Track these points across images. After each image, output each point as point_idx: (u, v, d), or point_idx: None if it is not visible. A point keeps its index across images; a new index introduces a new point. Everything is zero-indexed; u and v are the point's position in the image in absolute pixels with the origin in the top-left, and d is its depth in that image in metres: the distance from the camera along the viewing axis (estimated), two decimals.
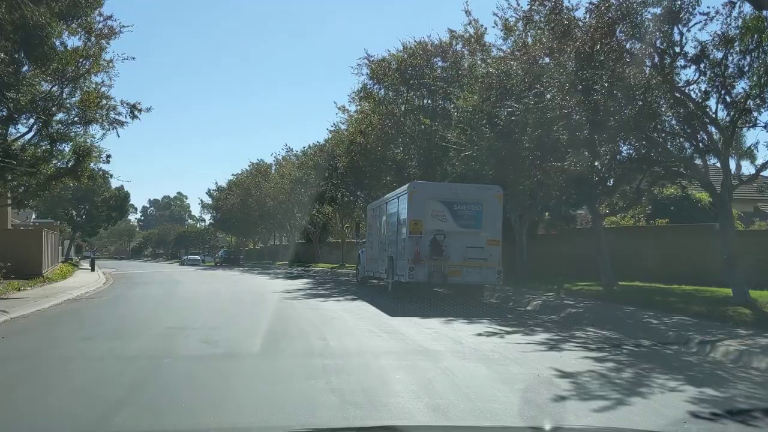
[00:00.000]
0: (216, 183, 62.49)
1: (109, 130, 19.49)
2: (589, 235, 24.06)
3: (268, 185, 47.43)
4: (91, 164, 20.60)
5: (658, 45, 12.92)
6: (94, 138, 20.04)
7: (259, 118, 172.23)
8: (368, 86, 25.71)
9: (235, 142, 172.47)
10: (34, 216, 60.10)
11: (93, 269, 39.02)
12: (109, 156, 20.85)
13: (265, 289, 20.89)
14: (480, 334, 10.15)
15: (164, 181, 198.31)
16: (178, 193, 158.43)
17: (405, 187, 16.29)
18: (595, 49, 12.20)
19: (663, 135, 13.57)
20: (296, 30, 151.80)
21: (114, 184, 59.61)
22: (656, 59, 12.97)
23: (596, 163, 16.16)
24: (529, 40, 15.66)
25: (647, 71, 13.13)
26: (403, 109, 26.46)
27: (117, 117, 19.44)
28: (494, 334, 10.31)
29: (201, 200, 72.22)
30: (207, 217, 77.94)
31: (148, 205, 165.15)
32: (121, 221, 77.56)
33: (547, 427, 2.86)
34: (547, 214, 26.38)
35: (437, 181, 20.04)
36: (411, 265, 15.26)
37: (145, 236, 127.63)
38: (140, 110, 19.60)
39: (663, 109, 13.14)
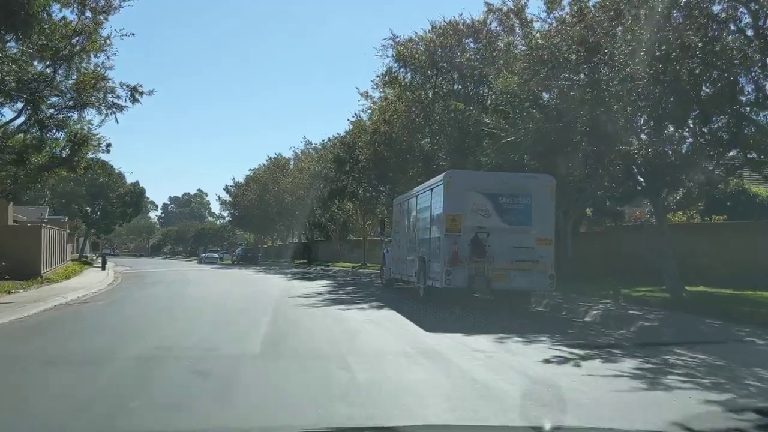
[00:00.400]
0: (233, 179, 60.58)
1: (107, 115, 17.49)
2: (639, 232, 21.65)
3: (286, 180, 45.41)
4: (89, 154, 18.60)
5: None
6: (92, 125, 18.08)
7: (277, 114, 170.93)
8: (393, 70, 23.46)
9: (258, 138, 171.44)
10: (47, 213, 58.96)
11: (104, 268, 37.36)
12: (109, 145, 18.82)
13: (281, 292, 18.81)
14: (548, 361, 7.89)
15: (185, 177, 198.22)
16: (198, 190, 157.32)
17: (441, 176, 14.02)
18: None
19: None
20: (298, 30, 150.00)
21: (129, 179, 58.33)
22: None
23: (666, 148, 13.74)
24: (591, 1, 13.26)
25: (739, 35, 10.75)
26: (431, 95, 24.20)
27: (116, 100, 17.43)
28: (565, 360, 8.04)
29: (218, 197, 70.39)
30: (225, 214, 76.27)
31: (168, 202, 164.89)
32: (136, 218, 76.17)
33: (547, 426, 2.60)
34: (589, 210, 23.98)
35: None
36: (448, 268, 13.01)
37: (164, 233, 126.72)
38: (141, 93, 17.56)
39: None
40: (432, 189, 14.51)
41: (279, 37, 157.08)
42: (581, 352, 8.69)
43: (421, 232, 15.42)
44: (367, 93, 25.05)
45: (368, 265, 36.38)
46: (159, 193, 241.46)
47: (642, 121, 13.96)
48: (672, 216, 23.54)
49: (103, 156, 20.32)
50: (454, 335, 9.84)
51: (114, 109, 17.49)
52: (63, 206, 54.14)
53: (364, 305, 14.58)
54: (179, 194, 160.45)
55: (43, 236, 24.13)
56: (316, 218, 47.54)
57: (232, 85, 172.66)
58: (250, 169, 57.02)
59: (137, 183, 57.61)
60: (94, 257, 76.57)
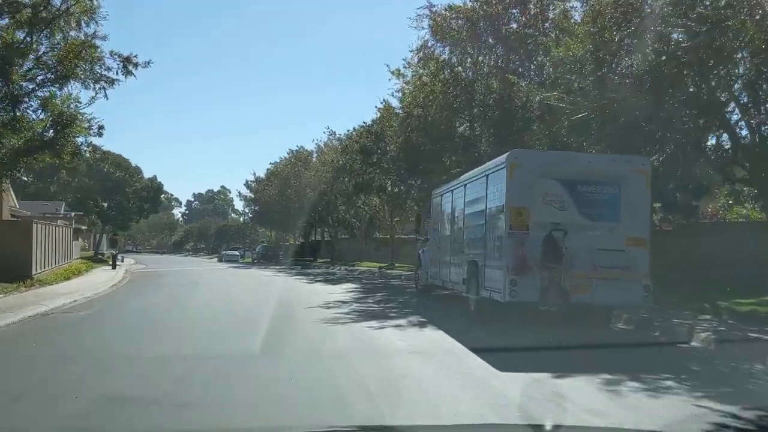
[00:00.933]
0: (254, 173, 57.87)
1: (96, 90, 14.81)
2: (720, 231, 18.44)
3: (308, 174, 42.56)
4: (78, 137, 15.91)
5: None
6: (80, 103, 15.40)
7: (298, 110, 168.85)
8: (429, 44, 20.47)
9: (281, 133, 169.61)
10: (63, 208, 57.09)
11: (114, 266, 35.01)
12: (101, 127, 16.08)
13: (298, 300, 15.98)
14: None
15: (209, 174, 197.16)
16: (222, 187, 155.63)
17: (502, 158, 10.97)
18: None
19: None
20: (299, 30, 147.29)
21: (146, 174, 56.11)
22: None
23: None
24: None
25: None
26: (471, 75, 21.14)
27: (105, 73, 14.74)
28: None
29: (239, 192, 67.84)
30: (246, 210, 73.86)
31: (192, 199, 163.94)
32: (157, 214, 74.15)
33: (548, 426, 2.50)
34: (658, 204, 20.70)
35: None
36: (513, 277, 9.99)
37: (186, 230, 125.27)
38: (136, 64, 14.86)
39: None
40: (488, 175, 11.47)
41: (304, 28, 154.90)
42: (746, 415, 5.68)
43: (472, 230, 12.41)
44: (399, 71, 22.04)
45: (396, 265, 33.47)
46: (183, 189, 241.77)
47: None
48: (752, 211, 20.28)
49: (106, 145, 17.61)
50: (540, 377, 6.85)
51: (103, 83, 14.80)
52: (78, 201, 52.09)
53: (401, 321, 11.62)
54: (203, 191, 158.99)
55: (35, 233, 21.61)
56: (339, 215, 44.74)
57: (257, 79, 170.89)
58: (270, 163, 54.17)
59: (155, 178, 55.49)
60: (116, 253, 74.86)
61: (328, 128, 46.96)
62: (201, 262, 61.02)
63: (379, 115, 30.15)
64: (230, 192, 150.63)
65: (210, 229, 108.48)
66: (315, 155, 45.18)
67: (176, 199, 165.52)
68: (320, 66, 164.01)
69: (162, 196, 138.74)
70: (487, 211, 11.37)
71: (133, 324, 11.76)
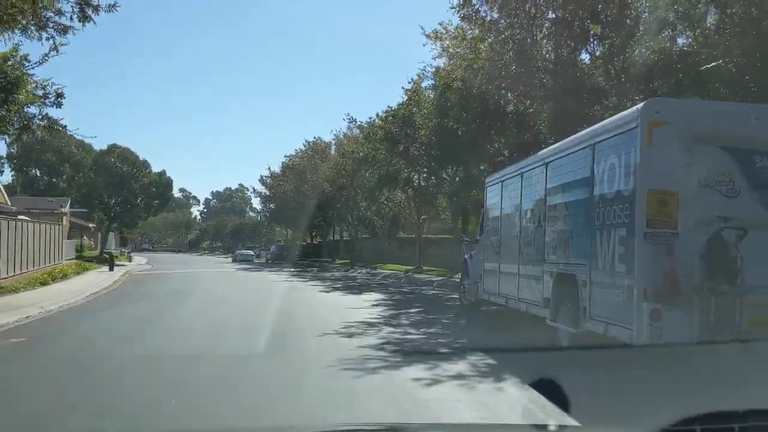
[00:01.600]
0: (269, 168, 54.23)
1: (44, 40, 11.16)
2: None
3: (326, 167, 38.77)
4: (28, 107, 12.27)
5: None
6: (28, 62, 11.77)
7: (321, 106, 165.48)
8: (474, 2, 16.52)
9: (307, 129, 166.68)
10: (68, 205, 54.07)
11: (111, 268, 31.60)
12: (60, 95, 12.43)
13: (310, 320, 12.23)
14: None
15: (228, 172, 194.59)
16: (240, 185, 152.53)
17: (628, 114, 7.01)
18: None
19: None
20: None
21: (154, 168, 52.71)
22: None
23: None
24: None
25: None
26: (530, 40, 17.15)
27: (57, 18, 11.08)
28: None
29: (253, 188, 64.10)
30: (261, 207, 70.42)
31: (210, 197, 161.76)
32: (168, 211, 70.88)
33: (552, 426, 2.52)
34: None
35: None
36: (655, 306, 6.09)
37: (202, 229, 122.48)
38: (96, 7, 11.17)
39: None
40: (595, 144, 7.49)
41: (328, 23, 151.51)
42: None
43: (563, 228, 8.47)
44: (436, 33, 18.02)
45: (424, 268, 29.63)
46: (202, 187, 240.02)
47: None
48: None
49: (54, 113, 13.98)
50: None
51: (53, 32, 11.12)
52: (83, 197, 48.97)
53: (460, 365, 7.68)
54: (221, 189, 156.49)
55: (3, 231, 18.16)
56: (360, 212, 40.97)
57: (279, 76, 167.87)
58: (285, 156, 50.27)
59: (164, 172, 52.21)
60: (127, 252, 72.13)
61: (348, 115, 42.33)
62: (213, 262, 57.88)
63: (406, 98, 26.30)
64: (248, 190, 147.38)
65: (226, 228, 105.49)
66: (333, 147, 41.39)
67: (194, 197, 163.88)
68: (344, 61, 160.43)
69: (178, 192, 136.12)
70: (594, 200, 7.43)
71: (62, 367, 8.03)
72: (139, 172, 50.38)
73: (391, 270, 31.75)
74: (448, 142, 21.33)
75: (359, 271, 33.61)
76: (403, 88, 26.15)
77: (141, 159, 51.27)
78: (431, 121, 22.78)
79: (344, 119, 29.47)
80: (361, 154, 31.09)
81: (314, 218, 50.65)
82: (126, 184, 48.97)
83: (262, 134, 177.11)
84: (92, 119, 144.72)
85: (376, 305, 15.01)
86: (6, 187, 78.75)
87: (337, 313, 13.19)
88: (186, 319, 12.70)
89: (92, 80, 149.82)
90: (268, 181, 56.28)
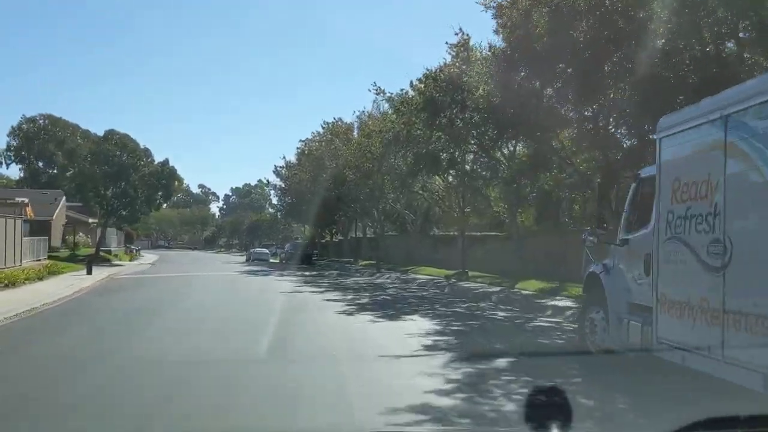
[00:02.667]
0: (284, 158, 48.17)
1: None
2: None
3: (348, 152, 32.79)
4: None
5: None
6: None
7: (343, 101, 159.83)
8: None
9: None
10: (64, 199, 48.95)
11: (89, 271, 26.09)
12: None
13: (324, 403, 6.32)
14: None
15: (248, 167, 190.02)
16: (259, 180, 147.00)
17: None
18: None
19: None
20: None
21: (157, 157, 47.19)
22: None
23: None
24: None
25: None
26: None
27: None
28: None
29: (267, 181, 57.86)
30: (275, 201, 64.70)
31: (230, 194, 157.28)
32: (166, 204, 65.47)
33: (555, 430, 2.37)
34: None
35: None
36: None
37: (218, 225, 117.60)
38: None
39: None
40: None
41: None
42: None
43: None
44: None
45: (469, 273, 23.63)
46: (222, 184, 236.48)
47: None
48: None
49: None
50: None
51: None
52: (77, 189, 43.77)
53: None
54: (240, 185, 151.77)
55: None
56: (387, 204, 35.04)
57: (298, 72, 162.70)
58: (300, 141, 43.78)
59: (167, 162, 46.55)
60: (132, 250, 67.11)
61: (375, 84, 35.27)
62: (224, 262, 52.53)
63: (452, 55, 20.27)
64: (267, 185, 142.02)
65: (243, 224, 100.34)
66: (356, 129, 35.42)
67: (213, 193, 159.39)
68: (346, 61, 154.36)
69: (197, 188, 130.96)
70: None
71: None
72: (140, 162, 44.99)
73: (428, 275, 25.75)
74: (513, 107, 15.30)
75: (387, 275, 27.70)
76: (447, 43, 20.11)
77: (142, 147, 45.89)
78: (489, 82, 16.80)
79: (370, 90, 23.25)
80: (390, 134, 25.15)
81: (334, 213, 44.81)
82: (124, 174, 43.61)
83: (284, 129, 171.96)
84: (92, 115, 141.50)
85: (430, 349, 9.03)
86: (13, 182, 74.49)
87: (370, 370, 7.27)
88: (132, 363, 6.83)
89: (99, 77, 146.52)
90: (283, 172, 50.56)
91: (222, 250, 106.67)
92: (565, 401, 2.38)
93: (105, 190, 44.06)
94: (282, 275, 29.13)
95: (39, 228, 46.36)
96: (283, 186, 51.17)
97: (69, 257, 43.06)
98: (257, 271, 33.28)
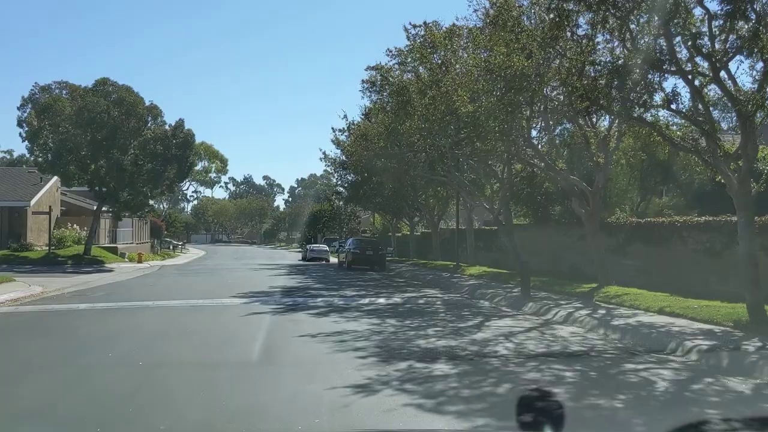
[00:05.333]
0: (345, 117, 33.09)
1: None
2: None
3: (448, 81, 17.29)
4: None
5: None
6: None
7: None
8: None
9: None
10: (54, 180, 36.03)
11: None
12: None
13: None
14: None
15: (309, 158, 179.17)
16: (325, 170, 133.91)
17: None
18: None
19: None
20: None
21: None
22: None
23: None
24: None
25: None
26: None
27: None
28: None
29: (324, 153, 43.15)
30: (336, 180, 49.96)
31: (295, 185, 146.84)
32: (183, 182, 52.37)
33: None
34: None
35: None
36: None
37: (276, 217, 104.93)
38: None
39: None
40: None
41: None
42: None
43: None
44: None
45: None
46: (287, 176, 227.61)
47: None
48: None
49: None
50: None
51: None
52: (49, 163, 30.73)
53: None
54: (306, 176, 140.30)
55: None
56: (516, 175, 19.97)
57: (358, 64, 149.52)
58: (368, 69, 26.15)
59: (182, 124, 32.87)
60: (178, 247, 55.05)
61: None
62: (272, 261, 39.89)
63: None
64: (334, 175, 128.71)
65: (303, 216, 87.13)
66: (465, 43, 19.83)
67: (279, 185, 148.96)
68: None
69: (261, 180, 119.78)
70: None
71: None
72: (142, 123, 31.60)
73: (679, 315, 10.55)
74: None
75: (556, 313, 12.41)
76: None
77: (147, 103, 32.48)
78: None
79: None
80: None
81: (418, 192, 29.88)
82: (119, 139, 30.33)
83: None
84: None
85: None
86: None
87: None
88: None
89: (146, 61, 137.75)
90: (344, 142, 35.61)
91: (281, 245, 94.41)
92: None
93: (92, 163, 31.07)
94: (331, 297, 14.59)
95: (9, 219, 34.23)
96: (344, 159, 36.44)
97: (42, 259, 30.48)
98: (297, 289, 18.57)
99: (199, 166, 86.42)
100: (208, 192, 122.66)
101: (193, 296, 15.44)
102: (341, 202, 48.06)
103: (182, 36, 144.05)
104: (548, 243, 21.42)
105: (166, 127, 32.75)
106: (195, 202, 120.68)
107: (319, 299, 14.69)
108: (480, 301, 15.13)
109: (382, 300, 14.77)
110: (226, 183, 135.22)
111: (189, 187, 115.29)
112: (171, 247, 61.71)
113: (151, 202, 39.08)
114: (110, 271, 28.00)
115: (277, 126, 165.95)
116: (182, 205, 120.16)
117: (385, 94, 21.56)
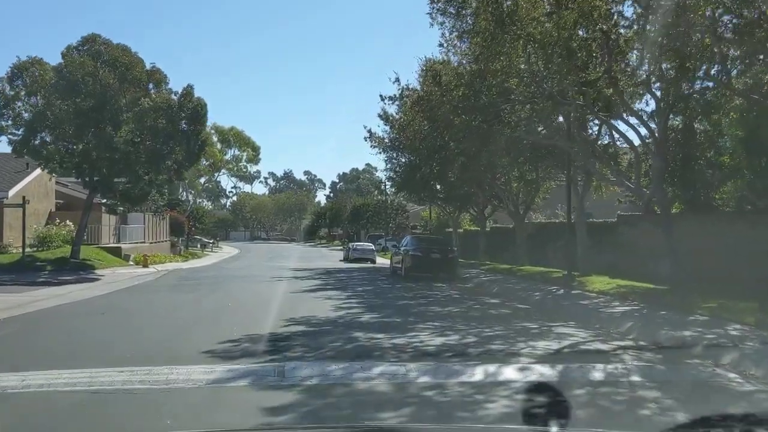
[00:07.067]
0: (398, 81, 25.36)
1: None
2: None
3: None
4: None
5: None
6: None
7: None
8: None
9: None
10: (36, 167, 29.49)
11: None
12: None
13: None
14: None
15: (353, 152, 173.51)
16: (367, 164, 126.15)
17: None
18: None
19: None
20: None
21: (173, 85, 26.32)
22: None
23: None
24: None
25: None
26: None
27: None
28: None
29: (369, 132, 34.61)
30: (382, 168, 42.26)
31: (337, 180, 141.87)
32: (199, 164, 45.39)
33: (554, 429, 2.38)
34: None
35: None
36: None
37: (316, 213, 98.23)
38: None
39: None
40: None
41: None
42: None
43: None
44: None
45: None
46: (328, 172, 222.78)
47: None
48: None
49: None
50: None
51: None
52: (22, 141, 24.19)
53: None
54: (347, 170, 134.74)
55: None
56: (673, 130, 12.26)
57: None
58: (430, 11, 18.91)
59: (191, 91, 25.92)
60: (208, 245, 49.16)
61: None
62: (309, 261, 35.04)
63: None
64: (377, 169, 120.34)
65: (345, 210, 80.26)
66: None
67: (320, 180, 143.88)
68: None
69: (302, 175, 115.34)
70: None
71: None
72: (139, 90, 24.85)
73: None
74: None
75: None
76: None
77: (148, 66, 25.75)
78: None
79: None
80: None
81: (496, 173, 22.37)
82: (108, 109, 23.66)
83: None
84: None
85: None
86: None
87: None
88: None
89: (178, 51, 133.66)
90: (395, 117, 28.03)
91: (322, 242, 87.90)
92: None
93: (78, 141, 24.58)
94: (398, 361, 6.92)
95: None
96: (396, 136, 28.92)
97: (14, 264, 24.04)
98: (328, 331, 11.12)
99: (228, 155, 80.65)
100: (247, 188, 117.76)
101: (114, 362, 7.74)
102: (393, 189, 40.23)
103: (224, 26, 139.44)
104: (717, 241, 13.57)
105: (173, 96, 25.98)
106: (234, 198, 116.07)
107: (375, 369, 7.04)
108: (710, 368, 7.35)
109: (511, 373, 6.93)
110: (265, 178, 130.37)
111: (228, 183, 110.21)
112: (200, 246, 55.67)
113: (165, 191, 32.40)
114: (94, 280, 21.35)
115: (320, 119, 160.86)
116: (222, 201, 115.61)
117: (469, 10, 13.92)
